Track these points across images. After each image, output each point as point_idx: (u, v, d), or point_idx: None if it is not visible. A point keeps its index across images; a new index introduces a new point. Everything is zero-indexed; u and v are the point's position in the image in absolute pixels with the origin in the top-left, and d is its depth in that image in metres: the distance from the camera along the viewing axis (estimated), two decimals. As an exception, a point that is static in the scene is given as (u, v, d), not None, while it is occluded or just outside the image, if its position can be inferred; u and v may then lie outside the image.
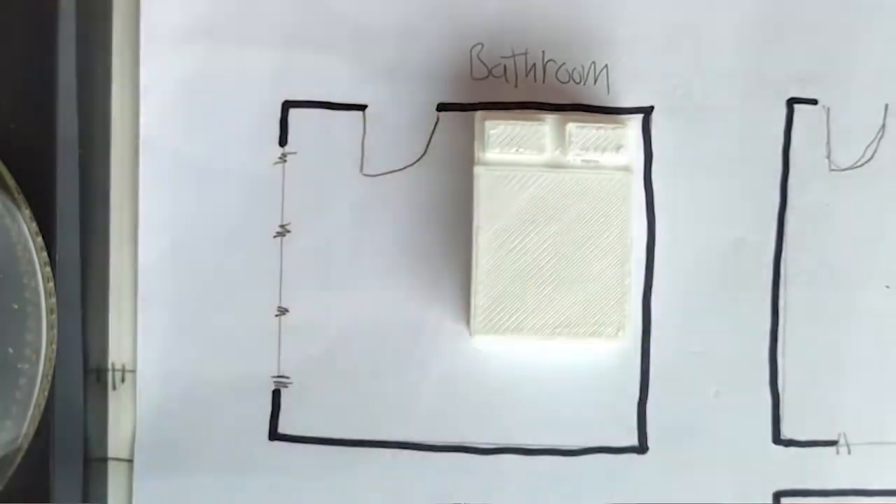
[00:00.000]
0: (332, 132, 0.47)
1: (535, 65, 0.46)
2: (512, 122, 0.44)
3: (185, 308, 0.46)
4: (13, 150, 0.45)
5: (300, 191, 0.47)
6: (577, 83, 0.46)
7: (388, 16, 0.46)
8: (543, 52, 0.46)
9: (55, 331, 0.45)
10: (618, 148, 0.44)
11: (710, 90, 0.46)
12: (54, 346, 0.45)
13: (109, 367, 0.47)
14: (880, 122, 0.46)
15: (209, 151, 0.46)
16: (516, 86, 0.46)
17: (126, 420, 0.46)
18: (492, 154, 0.44)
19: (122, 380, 0.47)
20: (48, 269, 0.45)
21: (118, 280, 0.47)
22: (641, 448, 0.46)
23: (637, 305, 0.46)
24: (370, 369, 0.46)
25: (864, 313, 0.46)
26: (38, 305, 0.44)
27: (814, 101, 0.46)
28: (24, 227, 0.44)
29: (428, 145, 0.46)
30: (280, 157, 0.47)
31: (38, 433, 0.44)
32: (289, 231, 0.47)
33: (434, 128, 0.46)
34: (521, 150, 0.44)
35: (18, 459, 0.44)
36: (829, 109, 0.46)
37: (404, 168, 0.46)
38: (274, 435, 0.46)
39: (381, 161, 0.46)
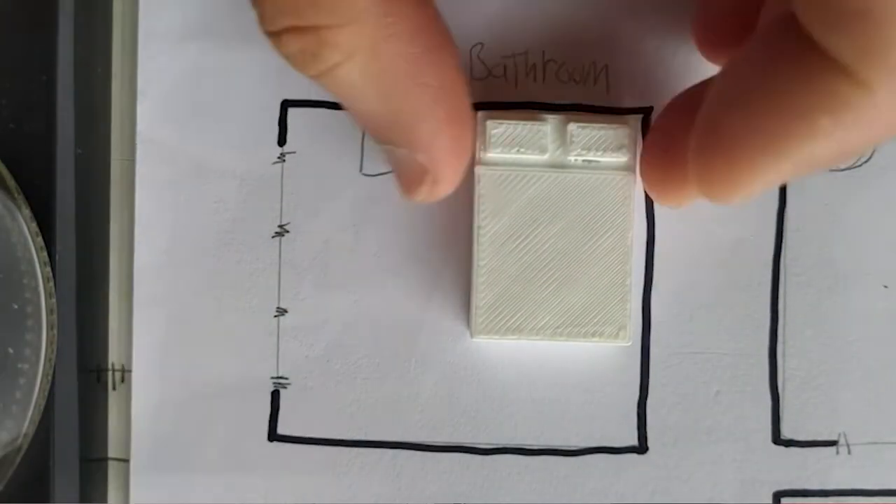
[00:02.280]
0: (331, 132, 0.46)
1: (535, 65, 0.46)
2: (514, 122, 0.44)
3: (184, 308, 0.46)
4: (13, 150, 0.45)
5: (299, 190, 0.46)
6: (577, 83, 0.46)
7: (387, 16, 0.46)
8: (543, 52, 0.46)
9: (55, 331, 0.45)
10: (619, 148, 0.44)
11: (709, 90, 0.46)
12: (54, 346, 0.45)
13: (109, 367, 0.46)
14: (880, 123, 0.46)
15: (208, 151, 0.46)
16: (516, 86, 0.46)
17: (125, 420, 0.46)
18: (493, 154, 0.44)
19: (122, 380, 0.46)
20: (48, 269, 0.44)
21: (118, 280, 0.47)
22: (641, 448, 0.46)
23: (637, 305, 0.46)
24: (370, 369, 0.46)
25: (864, 313, 0.46)
26: (38, 305, 0.44)
27: (814, 101, 0.46)
28: (24, 227, 0.44)
29: (428, 145, 0.46)
30: (279, 157, 0.46)
31: (37, 433, 0.44)
32: (288, 231, 0.46)
33: (434, 128, 0.46)
34: (522, 150, 0.44)
35: (18, 459, 0.44)
36: (829, 109, 0.46)
37: (404, 168, 0.46)
38: (273, 435, 0.46)
39: (381, 161, 0.46)
